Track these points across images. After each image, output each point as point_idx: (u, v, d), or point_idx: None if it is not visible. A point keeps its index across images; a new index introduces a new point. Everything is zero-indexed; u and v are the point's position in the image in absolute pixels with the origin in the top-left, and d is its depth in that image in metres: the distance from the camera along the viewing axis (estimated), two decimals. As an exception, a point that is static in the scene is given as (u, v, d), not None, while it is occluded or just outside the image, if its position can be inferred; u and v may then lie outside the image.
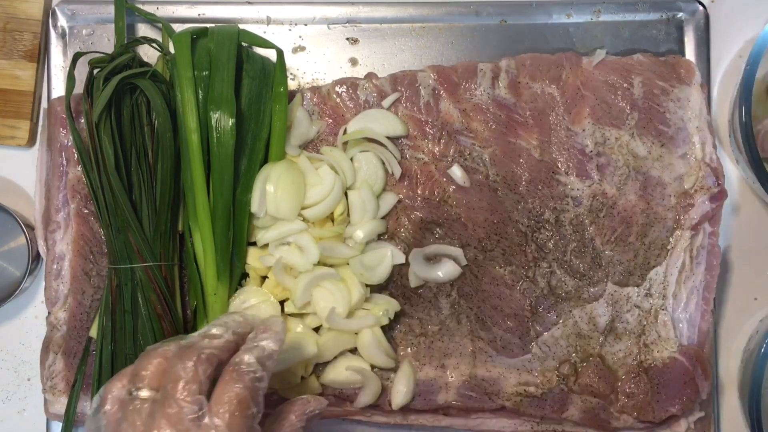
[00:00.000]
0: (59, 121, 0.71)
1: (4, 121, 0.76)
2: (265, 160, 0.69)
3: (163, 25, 0.74)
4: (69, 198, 0.72)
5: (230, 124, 0.65)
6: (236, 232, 0.67)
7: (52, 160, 0.72)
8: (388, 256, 0.69)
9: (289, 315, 0.69)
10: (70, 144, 0.71)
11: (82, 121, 0.69)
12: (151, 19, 0.75)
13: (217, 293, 0.66)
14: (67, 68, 0.75)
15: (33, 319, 0.77)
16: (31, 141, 0.78)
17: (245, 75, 0.68)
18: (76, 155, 0.70)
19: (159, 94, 0.66)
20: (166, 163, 0.66)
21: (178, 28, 0.75)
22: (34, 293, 0.77)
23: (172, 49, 0.69)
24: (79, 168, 0.70)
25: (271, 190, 0.66)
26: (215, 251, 0.66)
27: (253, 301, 0.67)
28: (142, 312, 0.66)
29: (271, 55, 0.71)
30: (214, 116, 0.65)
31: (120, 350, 0.66)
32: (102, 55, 0.70)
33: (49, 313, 0.72)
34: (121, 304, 0.66)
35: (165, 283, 0.67)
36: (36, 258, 0.74)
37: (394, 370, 0.70)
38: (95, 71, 0.69)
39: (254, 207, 0.67)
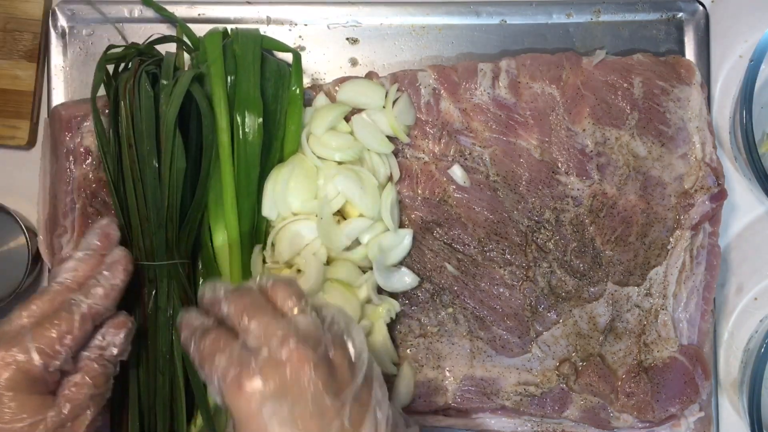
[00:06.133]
0: (64, 126, 0.70)
1: (4, 121, 0.76)
2: (280, 160, 0.69)
3: (180, 24, 0.74)
4: (75, 199, 0.71)
5: (258, 123, 0.65)
6: (257, 230, 0.68)
7: (58, 165, 0.71)
8: (407, 237, 0.69)
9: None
10: (74, 147, 0.70)
11: (87, 125, 0.69)
12: (167, 17, 0.75)
13: None
14: (68, 68, 0.76)
15: (33, 319, 0.77)
16: (31, 141, 0.78)
17: (262, 76, 0.68)
18: (82, 155, 0.70)
19: (205, 96, 0.65)
20: (207, 162, 0.66)
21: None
22: (34, 293, 0.76)
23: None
24: (85, 167, 0.70)
25: (281, 189, 0.66)
26: (241, 249, 0.66)
27: None
28: (176, 308, 0.65)
29: (281, 56, 0.72)
30: (242, 116, 0.65)
31: (156, 348, 0.66)
32: (119, 50, 0.69)
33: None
34: (155, 301, 0.66)
35: (188, 279, 0.67)
36: (36, 258, 0.74)
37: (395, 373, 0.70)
38: (139, 68, 0.67)
39: (265, 210, 0.67)
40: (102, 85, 0.68)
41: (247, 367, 0.49)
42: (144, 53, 0.69)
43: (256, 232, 0.68)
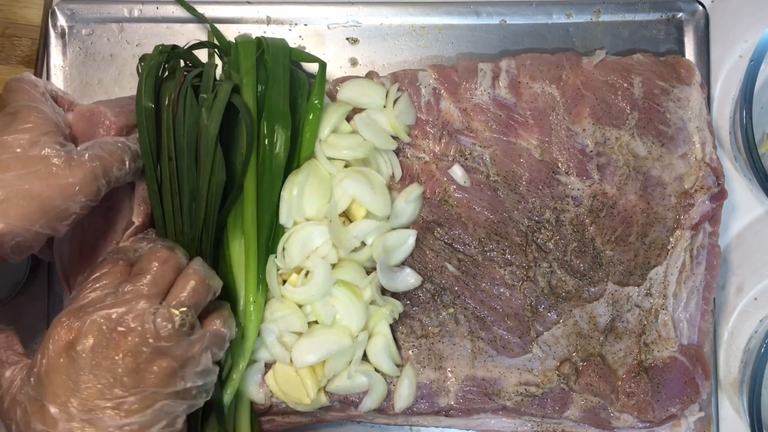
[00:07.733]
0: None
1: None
2: (297, 167, 0.68)
3: (211, 27, 0.73)
4: None
5: (286, 137, 0.65)
6: (274, 239, 0.67)
7: None
8: (411, 237, 0.70)
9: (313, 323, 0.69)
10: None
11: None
12: (197, 17, 0.75)
13: (256, 301, 0.66)
14: (68, 68, 0.76)
15: (33, 319, 0.76)
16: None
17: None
18: None
19: (248, 109, 0.64)
20: (243, 174, 0.65)
21: (178, 28, 0.76)
22: (34, 293, 0.77)
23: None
24: None
25: (297, 196, 0.66)
26: (257, 260, 0.65)
27: (279, 314, 0.67)
28: None
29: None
30: (270, 128, 0.65)
31: None
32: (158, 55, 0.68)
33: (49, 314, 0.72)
34: None
35: None
36: (36, 258, 0.74)
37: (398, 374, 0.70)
38: (185, 81, 0.65)
39: (283, 218, 0.66)
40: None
41: (91, 314, 0.53)
42: (183, 58, 0.68)
43: (273, 241, 0.67)
